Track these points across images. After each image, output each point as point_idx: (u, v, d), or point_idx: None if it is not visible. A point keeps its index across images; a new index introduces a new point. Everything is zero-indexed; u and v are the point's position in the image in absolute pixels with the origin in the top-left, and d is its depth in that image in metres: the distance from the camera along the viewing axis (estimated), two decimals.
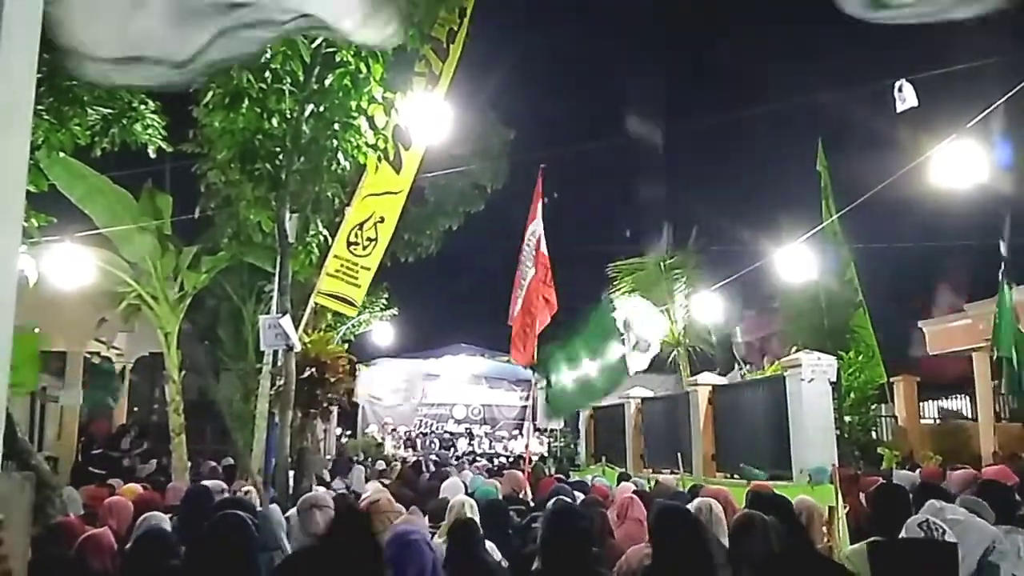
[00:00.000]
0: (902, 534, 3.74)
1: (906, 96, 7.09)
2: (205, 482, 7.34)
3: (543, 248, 12.04)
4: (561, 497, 5.90)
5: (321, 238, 8.77)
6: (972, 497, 4.98)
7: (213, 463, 12.55)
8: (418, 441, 25.23)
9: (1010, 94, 6.69)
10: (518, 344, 12.48)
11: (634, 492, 6.44)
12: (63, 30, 1.91)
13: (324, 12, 2.33)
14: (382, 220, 10.00)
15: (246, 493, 7.22)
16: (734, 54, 27.18)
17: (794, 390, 10.54)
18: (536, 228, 12.32)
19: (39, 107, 6.15)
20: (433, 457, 20.70)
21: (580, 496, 6.84)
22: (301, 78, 7.09)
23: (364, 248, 9.91)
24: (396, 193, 9.96)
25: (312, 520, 4.87)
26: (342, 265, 9.81)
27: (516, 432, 26.31)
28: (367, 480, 12.04)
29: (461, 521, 4.48)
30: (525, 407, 27.44)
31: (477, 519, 4.77)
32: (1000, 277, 10.83)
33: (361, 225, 9.84)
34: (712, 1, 27.97)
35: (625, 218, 34.05)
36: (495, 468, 16.83)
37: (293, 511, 5.20)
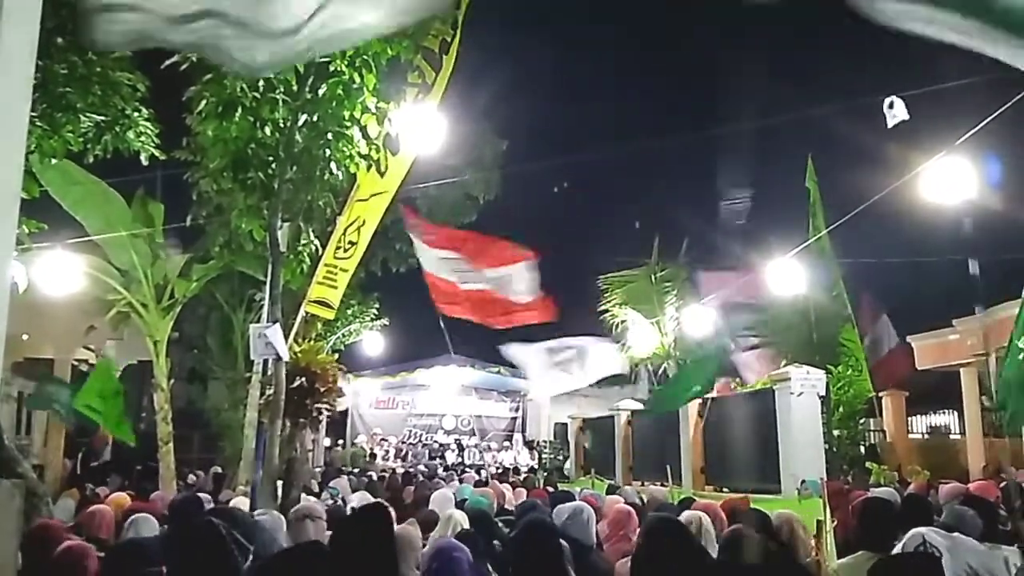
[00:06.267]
0: (897, 550, 3.73)
1: (897, 112, 7.11)
2: (195, 492, 7.30)
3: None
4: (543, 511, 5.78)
5: (313, 247, 8.75)
6: (958, 508, 5.00)
7: (202, 473, 12.48)
8: (408, 451, 25.13)
9: (1000, 111, 6.74)
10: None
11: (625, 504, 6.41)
12: None
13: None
14: (363, 223, 10.02)
15: (228, 501, 7.19)
16: (725, 69, 27.34)
17: (783, 404, 10.58)
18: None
19: (32, 113, 6.13)
20: (421, 468, 20.61)
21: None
22: (294, 87, 7.07)
23: (345, 251, 9.93)
24: (380, 195, 9.95)
25: (304, 531, 4.82)
26: (329, 271, 9.84)
27: (505, 443, 26.25)
28: (354, 491, 11.96)
29: (464, 534, 4.46)
30: (515, 418, 27.42)
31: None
32: None
33: (345, 229, 9.86)
34: (705, 18, 28.16)
35: (616, 228, 34.19)
36: (484, 480, 16.80)
37: (281, 521, 5.16)
